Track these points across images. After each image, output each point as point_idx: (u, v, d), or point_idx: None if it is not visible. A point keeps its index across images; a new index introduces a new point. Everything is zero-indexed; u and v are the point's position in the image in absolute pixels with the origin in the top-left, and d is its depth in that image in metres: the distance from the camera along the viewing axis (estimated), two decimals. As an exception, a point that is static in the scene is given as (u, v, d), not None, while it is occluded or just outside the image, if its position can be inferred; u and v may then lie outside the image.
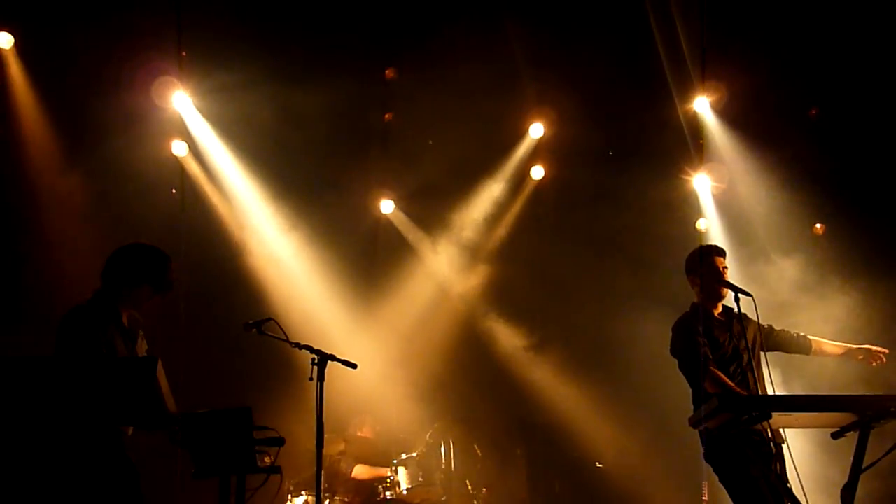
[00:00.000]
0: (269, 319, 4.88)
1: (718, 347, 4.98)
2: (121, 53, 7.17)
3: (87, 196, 7.48)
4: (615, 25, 7.73)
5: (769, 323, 5.27)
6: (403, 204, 8.83)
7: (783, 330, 5.31)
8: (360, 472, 7.42)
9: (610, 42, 7.74)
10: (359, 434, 7.73)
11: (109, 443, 4.15)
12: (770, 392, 4.88)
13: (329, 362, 4.84)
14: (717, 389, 4.72)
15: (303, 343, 4.89)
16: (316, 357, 4.81)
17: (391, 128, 8.45)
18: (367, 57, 7.97)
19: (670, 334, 5.22)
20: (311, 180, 8.20)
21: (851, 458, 4.34)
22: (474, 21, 7.62)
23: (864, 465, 4.31)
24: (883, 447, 4.36)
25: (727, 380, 4.80)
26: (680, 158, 8.29)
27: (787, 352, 5.37)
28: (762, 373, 4.97)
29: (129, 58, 7.18)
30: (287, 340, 4.88)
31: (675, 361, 5.19)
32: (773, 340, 5.25)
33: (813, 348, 5.28)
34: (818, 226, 8.33)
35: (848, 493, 4.31)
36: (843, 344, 5.32)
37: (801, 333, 5.33)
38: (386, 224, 8.88)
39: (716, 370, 4.84)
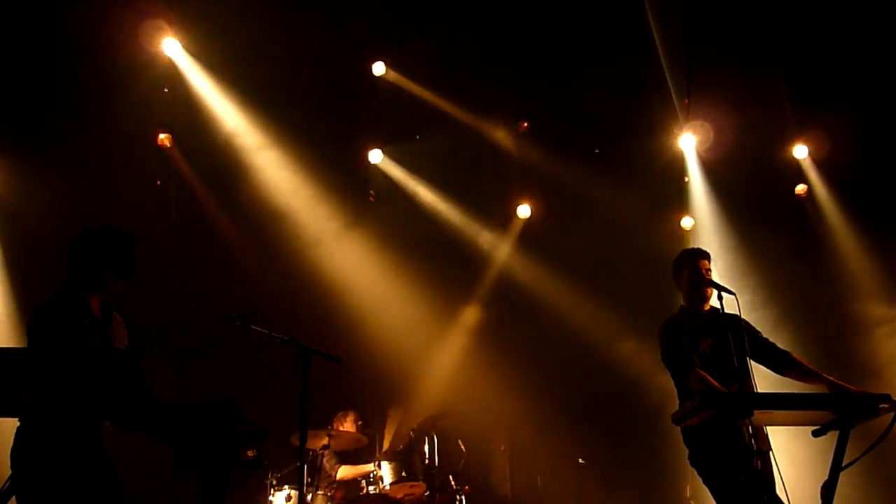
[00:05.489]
0: (254, 312, 4.82)
1: (705, 347, 4.98)
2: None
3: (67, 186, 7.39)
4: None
5: (759, 330, 5.21)
6: (388, 197, 8.81)
7: (767, 340, 5.14)
8: (345, 472, 7.38)
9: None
10: (342, 429, 7.71)
11: (86, 437, 4.05)
12: (755, 390, 4.88)
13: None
14: (702, 389, 4.72)
15: (286, 337, 4.84)
16: (300, 351, 4.77)
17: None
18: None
19: (658, 339, 5.21)
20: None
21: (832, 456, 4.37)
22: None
23: (844, 463, 4.34)
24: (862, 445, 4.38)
25: (712, 379, 4.80)
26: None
27: (761, 363, 5.08)
28: (748, 371, 4.94)
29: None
30: (271, 334, 4.82)
31: (660, 359, 5.19)
32: (755, 347, 5.04)
33: (793, 368, 4.98)
34: None
35: (828, 490, 4.33)
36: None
37: (786, 350, 5.10)
38: (371, 217, 8.87)
39: (701, 371, 4.84)
